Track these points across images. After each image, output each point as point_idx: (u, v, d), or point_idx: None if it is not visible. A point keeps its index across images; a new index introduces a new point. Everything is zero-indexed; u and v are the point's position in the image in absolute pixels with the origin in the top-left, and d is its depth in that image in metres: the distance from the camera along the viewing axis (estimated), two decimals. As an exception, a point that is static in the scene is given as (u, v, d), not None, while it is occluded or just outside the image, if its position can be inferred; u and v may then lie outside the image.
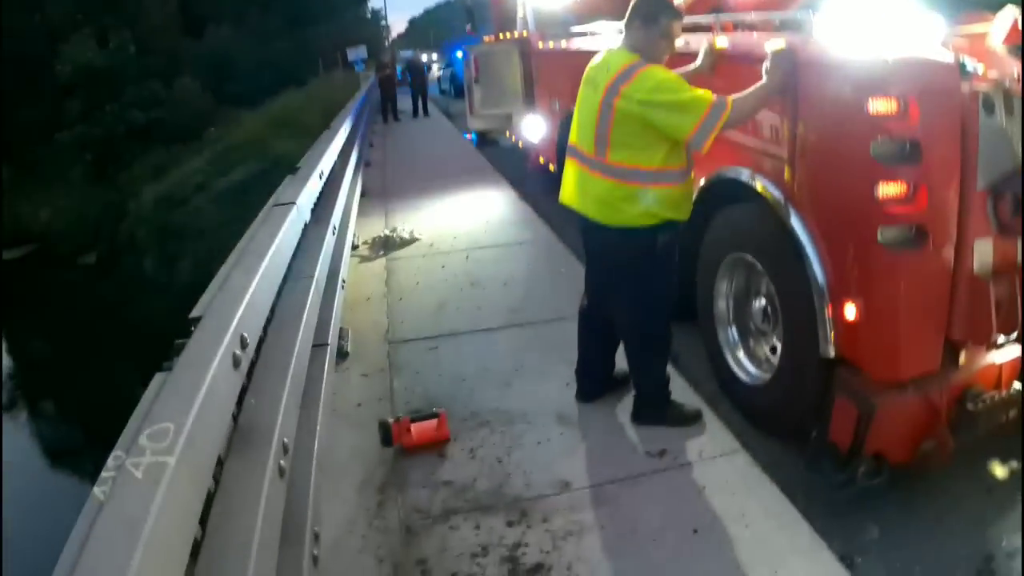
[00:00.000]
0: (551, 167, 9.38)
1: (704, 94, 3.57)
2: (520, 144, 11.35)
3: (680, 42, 4.06)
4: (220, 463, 2.20)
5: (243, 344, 2.47)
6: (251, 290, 2.78)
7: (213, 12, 45.79)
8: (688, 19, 4.28)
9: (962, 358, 3.57)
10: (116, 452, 1.86)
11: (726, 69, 4.28)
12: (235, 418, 2.45)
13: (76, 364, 18.94)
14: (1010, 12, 3.83)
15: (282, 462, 2.42)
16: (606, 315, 4.32)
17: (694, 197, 4.16)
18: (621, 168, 3.80)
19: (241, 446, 2.35)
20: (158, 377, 2.27)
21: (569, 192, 4.12)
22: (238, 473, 2.21)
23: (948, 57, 3.40)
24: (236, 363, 2.34)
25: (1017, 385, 3.73)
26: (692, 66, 4.25)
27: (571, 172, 4.09)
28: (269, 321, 3.29)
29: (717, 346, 4.76)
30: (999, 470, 4.00)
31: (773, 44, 3.78)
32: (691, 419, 4.22)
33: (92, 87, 35.84)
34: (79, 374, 18.19)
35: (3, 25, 40.39)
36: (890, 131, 3.23)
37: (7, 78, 39.93)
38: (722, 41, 4.41)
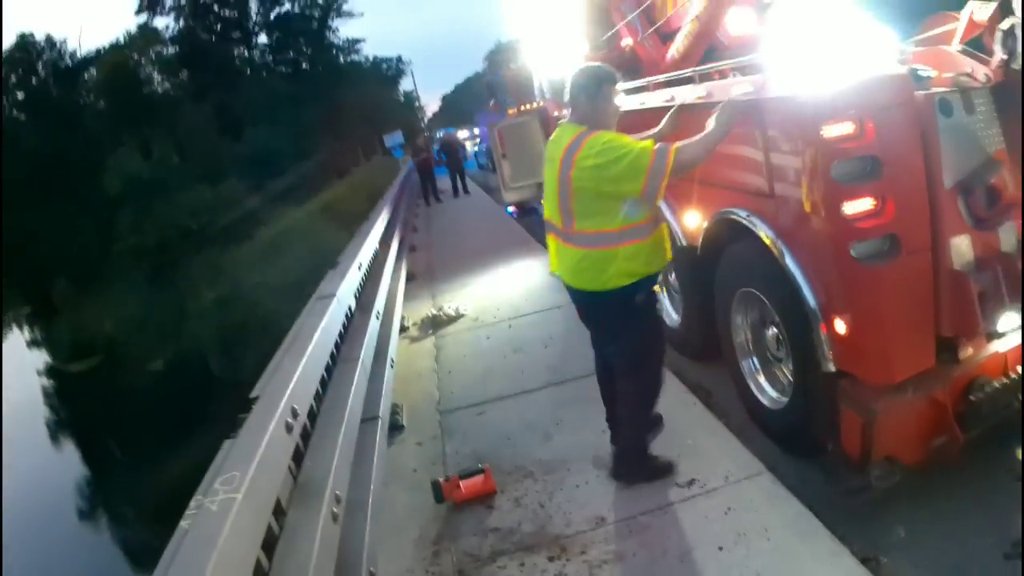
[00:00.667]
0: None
1: (646, 146, 3.82)
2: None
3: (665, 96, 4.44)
4: (284, 512, 2.61)
5: (294, 414, 2.92)
6: (299, 371, 3.24)
7: (249, 113, 47.41)
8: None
9: (961, 352, 3.73)
10: (196, 497, 2.28)
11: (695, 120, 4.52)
12: (294, 476, 2.87)
13: (157, 469, 19.52)
14: (967, 11, 4.13)
15: (335, 509, 2.82)
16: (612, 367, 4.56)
17: (700, 239, 4.52)
18: (588, 235, 4.02)
19: (300, 497, 2.76)
20: (226, 444, 2.67)
21: (554, 263, 4.39)
22: (298, 519, 2.63)
23: (899, 70, 3.68)
24: (289, 429, 2.78)
25: (1018, 369, 3.83)
26: (656, 129, 4.54)
27: (551, 245, 4.37)
28: (320, 399, 3.73)
29: (741, 376, 5.04)
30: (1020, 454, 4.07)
31: (739, 91, 4.17)
32: (666, 470, 4.43)
33: (141, 197, 37.45)
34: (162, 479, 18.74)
35: (50, 146, 42.38)
36: (847, 152, 3.49)
37: (57, 195, 41.71)
38: (699, 91, 4.80)
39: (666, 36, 7.76)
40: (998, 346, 3.80)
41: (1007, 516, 3.70)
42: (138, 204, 37.44)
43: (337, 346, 4.55)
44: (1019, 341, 3.81)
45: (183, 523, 2.12)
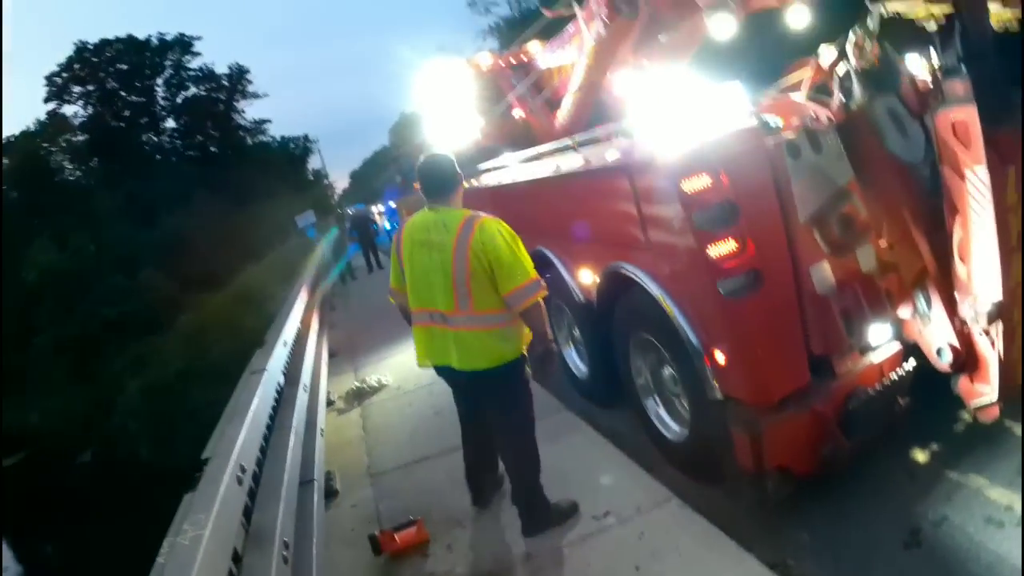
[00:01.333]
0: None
1: (531, 266, 4.31)
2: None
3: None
4: (240, 558, 2.94)
5: (243, 470, 3.26)
6: (242, 435, 3.59)
7: (161, 199, 46.71)
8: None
9: (838, 367, 4.21)
10: (167, 538, 2.61)
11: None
12: (246, 528, 3.20)
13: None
14: (815, 60, 4.74)
15: (284, 553, 3.16)
16: (484, 444, 5.00)
17: (595, 293, 5.06)
18: (487, 315, 4.30)
19: (253, 544, 3.10)
20: (186, 497, 2.99)
21: (436, 353, 4.54)
22: (253, 560, 2.96)
23: (748, 122, 4.15)
24: (239, 482, 3.13)
25: (892, 375, 4.28)
26: None
27: (430, 335, 4.52)
28: (262, 462, 4.06)
29: (646, 415, 5.47)
30: (920, 455, 4.62)
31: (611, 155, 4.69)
32: (571, 512, 4.77)
33: (59, 288, 36.63)
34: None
35: None
36: (706, 202, 3.94)
37: None
38: (578, 160, 5.33)
39: (555, 105, 8.28)
40: (873, 358, 4.31)
41: (903, 509, 4.18)
42: (56, 295, 36.79)
43: (271, 416, 4.88)
44: (895, 350, 4.34)
45: (159, 559, 2.45)
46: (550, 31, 8.75)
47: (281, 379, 5.81)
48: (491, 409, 4.67)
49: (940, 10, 3.89)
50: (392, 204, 29.20)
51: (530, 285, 4.21)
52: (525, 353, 4.47)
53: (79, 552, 20.83)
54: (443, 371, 4.63)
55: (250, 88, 63.78)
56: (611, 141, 4.83)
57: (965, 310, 4.12)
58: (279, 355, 5.97)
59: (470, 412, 4.96)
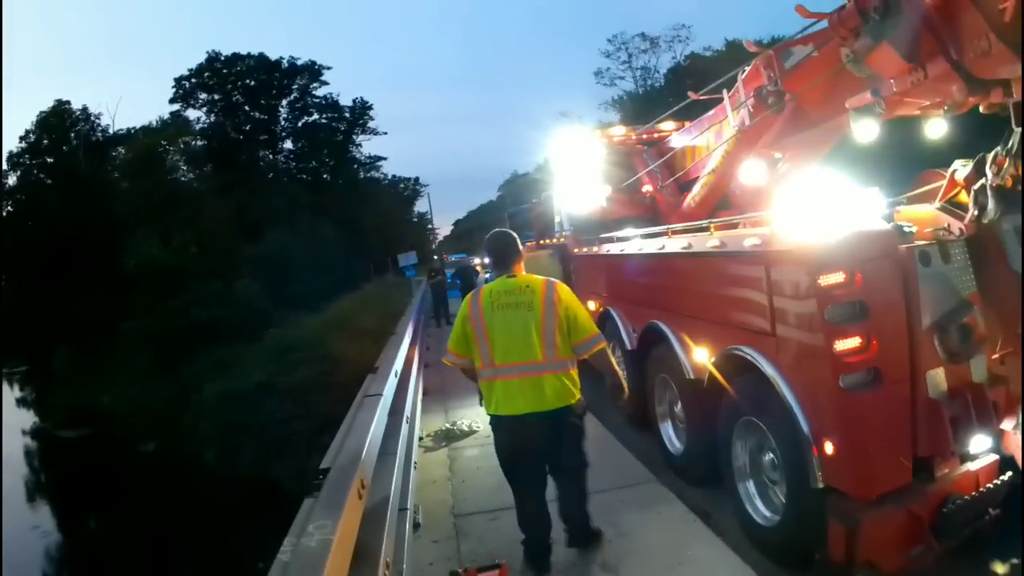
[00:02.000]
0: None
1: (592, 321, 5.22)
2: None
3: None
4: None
5: (363, 485, 3.42)
6: (364, 453, 3.74)
7: (268, 217, 48.39)
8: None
9: (937, 471, 4.26)
10: (289, 538, 2.76)
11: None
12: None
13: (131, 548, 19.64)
14: (951, 170, 4.81)
15: (387, 572, 3.31)
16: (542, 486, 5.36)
17: (707, 373, 5.44)
18: (566, 361, 5.02)
19: (360, 559, 3.25)
20: (307, 501, 3.15)
21: (521, 403, 4.97)
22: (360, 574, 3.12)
23: (885, 226, 4.33)
24: (360, 496, 3.27)
25: (987, 485, 4.33)
26: None
27: (509, 387, 4.99)
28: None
29: (738, 497, 5.49)
30: (999, 567, 4.53)
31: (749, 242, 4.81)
32: (599, 535, 5.52)
33: (156, 282, 37.96)
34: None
35: (69, 213, 42.95)
36: (839, 298, 4.11)
37: (73, 264, 42.14)
38: (713, 240, 5.49)
39: (683, 186, 8.43)
40: (971, 466, 4.34)
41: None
42: (152, 288, 37.86)
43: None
44: (991, 460, 4.37)
45: (281, 556, 2.62)
46: (681, 112, 8.94)
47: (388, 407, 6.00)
48: (564, 442, 5.14)
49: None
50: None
51: (596, 336, 5.06)
52: None
53: (113, 538, 21.20)
54: (520, 419, 5.00)
55: (371, 124, 65.87)
56: (746, 228, 4.96)
57: None
58: (391, 384, 6.16)
59: (539, 457, 5.25)
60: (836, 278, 4.12)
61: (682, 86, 8.65)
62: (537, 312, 4.93)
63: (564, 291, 5.06)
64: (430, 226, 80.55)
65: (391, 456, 4.96)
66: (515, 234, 5.37)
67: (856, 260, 4.14)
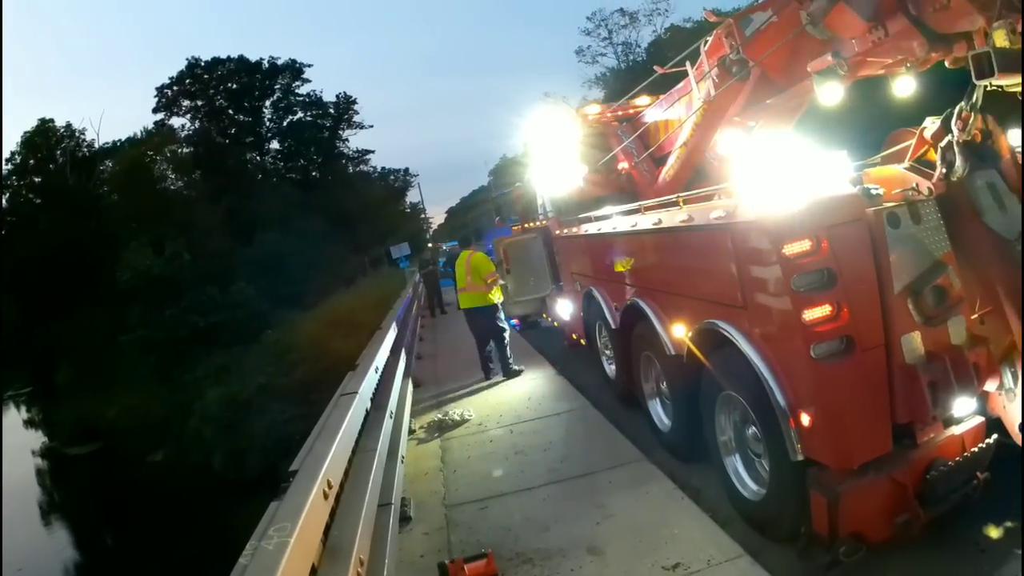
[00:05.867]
0: (582, 342, 10.25)
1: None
2: (555, 324, 12.16)
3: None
4: (315, 571, 3.05)
5: (329, 486, 3.38)
6: (332, 452, 3.71)
7: (259, 218, 48.47)
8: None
9: (920, 437, 4.19)
10: (251, 542, 2.72)
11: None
12: (323, 542, 3.32)
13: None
14: (921, 128, 4.74)
15: (359, 570, 3.27)
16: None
17: (685, 348, 5.38)
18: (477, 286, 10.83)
19: (330, 557, 3.21)
20: (272, 504, 3.12)
21: (462, 303, 11.69)
22: (328, 573, 3.08)
23: (851, 190, 4.25)
24: (325, 496, 3.24)
25: (973, 449, 4.24)
26: None
27: (461, 296, 11.68)
28: (344, 480, 4.20)
29: (725, 472, 5.44)
30: (993, 531, 4.48)
31: (714, 215, 4.77)
32: (517, 372, 11.43)
33: (152, 292, 37.61)
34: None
35: (62, 231, 43.08)
36: (805, 266, 4.03)
37: (69, 281, 42.28)
38: (681, 215, 5.46)
39: (659, 161, 8.38)
40: (955, 430, 4.28)
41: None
42: (148, 298, 37.64)
43: (357, 438, 5.02)
44: (977, 423, 4.30)
45: (241, 560, 2.57)
46: (658, 86, 8.88)
47: (368, 404, 5.95)
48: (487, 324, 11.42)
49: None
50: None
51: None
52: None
53: (131, 553, 21.29)
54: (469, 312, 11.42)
55: (356, 118, 65.97)
56: (716, 200, 4.91)
57: None
58: (370, 380, 6.12)
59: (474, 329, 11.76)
60: (801, 246, 4.05)
61: (664, 59, 8.60)
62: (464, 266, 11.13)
63: (475, 257, 11.28)
64: (423, 216, 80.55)
65: (371, 452, 4.92)
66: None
67: (821, 226, 4.07)
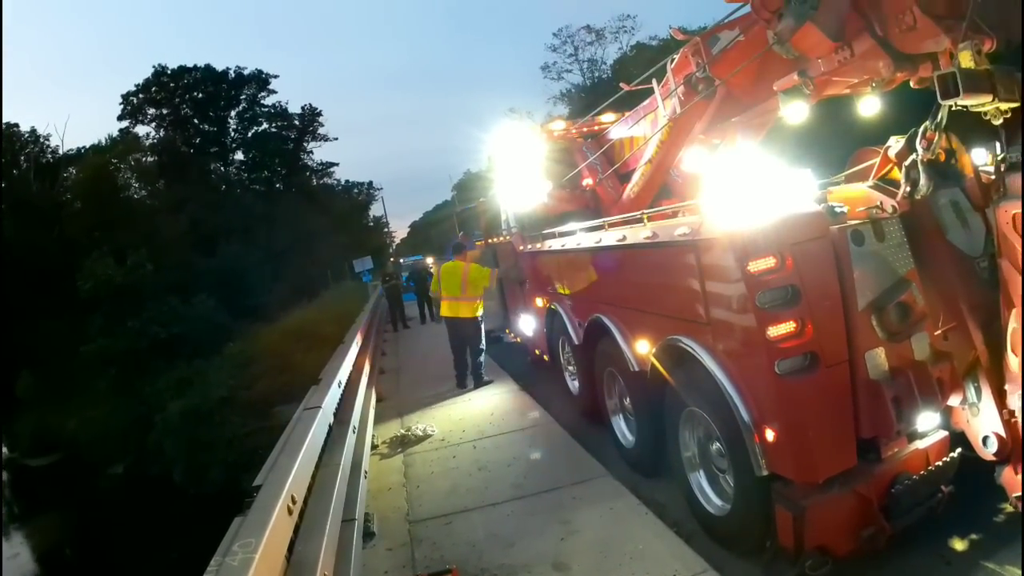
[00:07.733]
0: (545, 358, 10.24)
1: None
2: (518, 340, 12.19)
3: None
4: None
5: (293, 501, 3.34)
6: (295, 467, 3.67)
7: (222, 229, 47.93)
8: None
9: (884, 451, 4.26)
10: (215, 558, 2.68)
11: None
12: (287, 558, 3.27)
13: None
14: (883, 149, 4.81)
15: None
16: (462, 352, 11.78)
17: (649, 364, 5.29)
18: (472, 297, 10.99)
19: (295, 573, 3.17)
20: (236, 519, 3.07)
21: (448, 312, 11.57)
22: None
23: (815, 208, 4.29)
24: (290, 512, 3.20)
25: (938, 463, 4.31)
26: None
27: (449, 305, 11.48)
28: (308, 495, 4.15)
29: (689, 487, 5.46)
30: (958, 543, 4.56)
31: (679, 231, 4.79)
32: (488, 381, 11.86)
33: (113, 302, 36.99)
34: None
35: (23, 239, 42.39)
36: (769, 283, 4.07)
37: (29, 288, 41.51)
38: (646, 231, 5.49)
39: (623, 177, 8.41)
40: (920, 444, 4.35)
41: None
42: (109, 308, 37.09)
43: (320, 453, 4.97)
44: (941, 437, 4.37)
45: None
46: (623, 103, 8.92)
47: (331, 418, 5.91)
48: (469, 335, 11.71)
49: (1007, 105, 3.93)
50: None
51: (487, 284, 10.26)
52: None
53: (85, 558, 21.01)
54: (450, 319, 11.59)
55: (321, 130, 65.64)
56: (681, 216, 4.93)
57: (1014, 401, 4.12)
58: (333, 394, 6.08)
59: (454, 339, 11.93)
60: (766, 263, 4.08)
61: (629, 76, 8.73)
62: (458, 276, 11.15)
63: (473, 268, 11.18)
64: (386, 229, 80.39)
65: (334, 467, 4.89)
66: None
67: (785, 244, 4.10)
